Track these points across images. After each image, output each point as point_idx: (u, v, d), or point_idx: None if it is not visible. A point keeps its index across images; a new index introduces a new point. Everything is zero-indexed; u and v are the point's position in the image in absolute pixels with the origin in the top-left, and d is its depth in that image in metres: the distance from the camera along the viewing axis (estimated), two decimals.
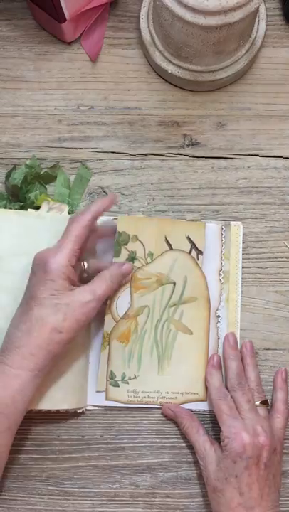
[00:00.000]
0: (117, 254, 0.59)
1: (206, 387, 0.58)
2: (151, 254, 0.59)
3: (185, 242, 0.60)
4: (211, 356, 0.59)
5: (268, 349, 0.60)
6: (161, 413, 0.59)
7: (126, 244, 0.59)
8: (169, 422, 0.59)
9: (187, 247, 0.60)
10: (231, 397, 0.55)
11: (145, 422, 0.59)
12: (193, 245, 0.60)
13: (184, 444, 0.59)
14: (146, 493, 0.59)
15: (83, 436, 0.59)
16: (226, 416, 0.54)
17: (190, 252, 0.60)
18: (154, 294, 0.60)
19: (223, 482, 0.52)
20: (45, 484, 0.59)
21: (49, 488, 0.59)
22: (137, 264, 0.59)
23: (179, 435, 0.59)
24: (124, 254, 0.59)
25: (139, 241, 0.59)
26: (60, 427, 0.59)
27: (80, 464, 0.59)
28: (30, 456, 0.59)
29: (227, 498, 0.52)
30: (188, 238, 0.60)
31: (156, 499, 0.59)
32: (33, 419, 0.59)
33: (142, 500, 0.59)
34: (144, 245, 0.59)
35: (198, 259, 0.60)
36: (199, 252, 0.60)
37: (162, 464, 0.59)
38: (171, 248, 0.60)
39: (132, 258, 0.59)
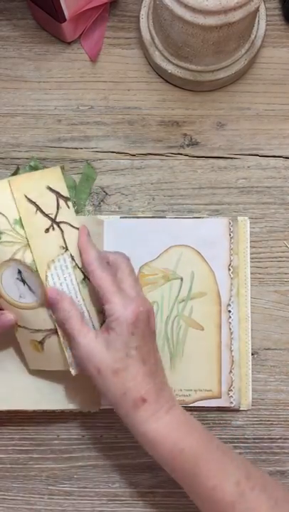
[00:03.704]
0: None
1: (220, 383, 0.58)
2: (18, 221, 0.51)
3: (48, 194, 0.53)
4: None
5: (268, 349, 0.60)
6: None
7: None
8: None
9: (53, 199, 0.53)
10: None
11: None
12: (58, 194, 0.53)
13: None
14: (146, 492, 0.59)
15: (83, 436, 0.59)
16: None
17: (57, 203, 0.53)
18: (162, 290, 0.59)
19: (124, 359, 0.48)
20: (45, 484, 0.59)
21: (49, 487, 0.59)
22: (7, 238, 0.51)
23: None
24: None
25: None
26: (60, 427, 0.59)
27: (79, 463, 0.59)
28: (30, 456, 0.59)
29: (133, 372, 0.48)
30: (50, 188, 0.53)
31: (156, 498, 0.59)
32: (33, 419, 0.59)
33: (141, 500, 0.59)
34: (4, 215, 0.51)
35: (68, 207, 0.53)
36: (66, 198, 0.53)
37: None
38: (38, 207, 0.52)
39: None
